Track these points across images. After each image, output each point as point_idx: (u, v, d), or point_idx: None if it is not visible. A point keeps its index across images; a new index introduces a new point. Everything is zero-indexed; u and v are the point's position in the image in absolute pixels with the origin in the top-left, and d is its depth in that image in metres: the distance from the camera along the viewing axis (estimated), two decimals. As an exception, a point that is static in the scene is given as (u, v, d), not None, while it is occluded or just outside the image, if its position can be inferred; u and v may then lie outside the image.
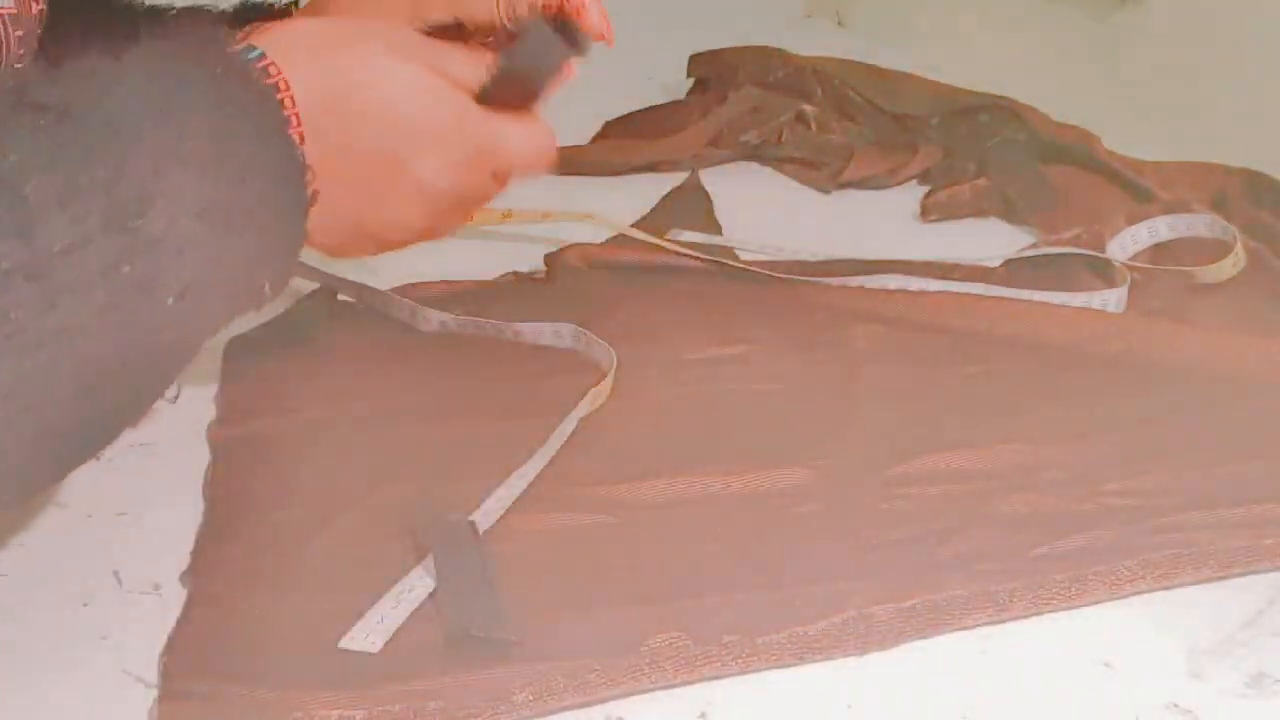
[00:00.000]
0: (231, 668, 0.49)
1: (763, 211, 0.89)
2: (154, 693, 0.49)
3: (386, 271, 0.76)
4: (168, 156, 0.47)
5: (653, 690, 0.49)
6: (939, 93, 0.99)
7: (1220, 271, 0.77)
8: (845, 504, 0.59)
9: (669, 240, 0.82)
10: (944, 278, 0.77)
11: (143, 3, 0.72)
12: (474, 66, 0.57)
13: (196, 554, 0.56)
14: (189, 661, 0.50)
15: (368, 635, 0.51)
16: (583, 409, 0.65)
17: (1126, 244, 0.81)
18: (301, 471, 0.62)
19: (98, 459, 0.50)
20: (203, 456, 0.63)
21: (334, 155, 0.53)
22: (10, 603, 0.54)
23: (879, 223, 0.89)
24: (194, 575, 0.55)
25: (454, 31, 0.62)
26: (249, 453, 0.63)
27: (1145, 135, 0.93)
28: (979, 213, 0.89)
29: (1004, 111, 0.96)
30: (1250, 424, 0.64)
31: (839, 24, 1.31)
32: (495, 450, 0.62)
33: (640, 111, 1.03)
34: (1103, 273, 0.78)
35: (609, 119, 1.01)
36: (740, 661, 0.50)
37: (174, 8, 0.72)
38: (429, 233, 0.59)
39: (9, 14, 0.58)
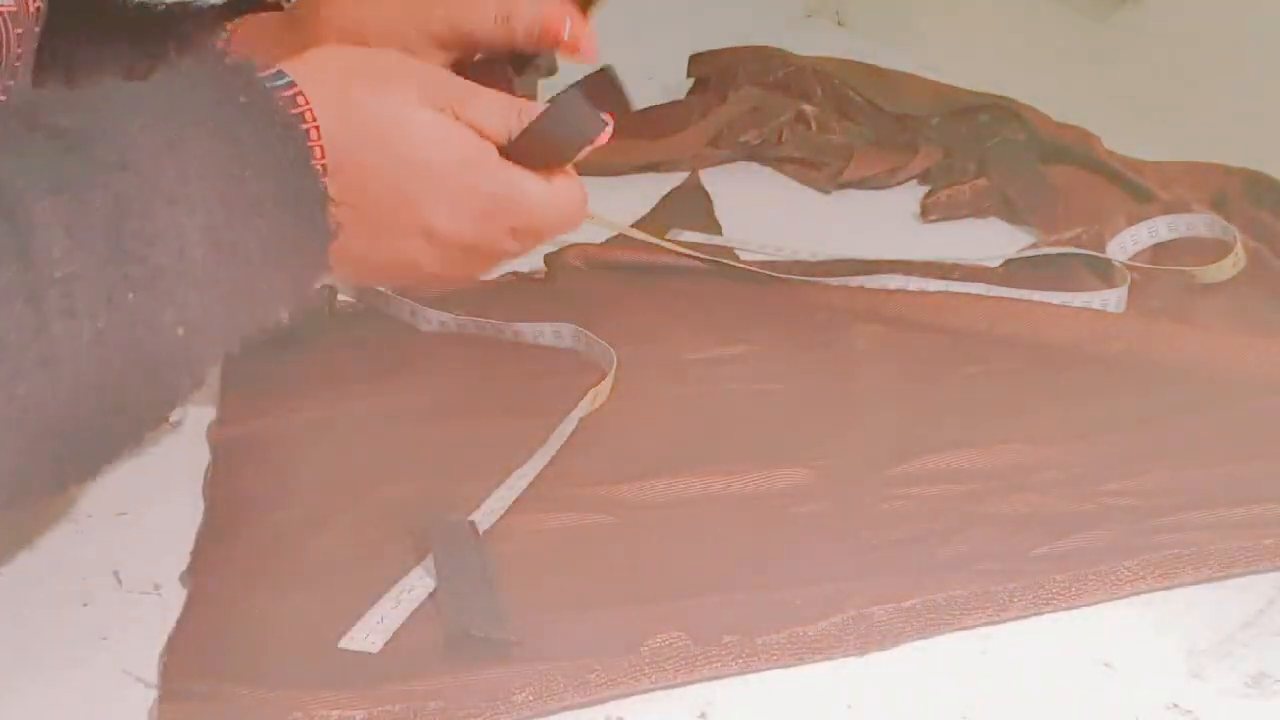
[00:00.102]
0: (231, 668, 0.49)
1: (763, 211, 0.89)
2: (154, 693, 0.49)
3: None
4: (180, 187, 0.46)
5: (653, 690, 0.49)
6: (939, 93, 0.99)
7: (1220, 271, 0.77)
8: (845, 504, 0.59)
9: (669, 240, 0.82)
10: (944, 278, 0.77)
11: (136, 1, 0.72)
12: (505, 116, 0.56)
13: (196, 554, 0.56)
14: (189, 661, 0.50)
15: (368, 635, 0.51)
16: (583, 409, 0.65)
17: (1126, 244, 0.81)
18: (301, 471, 0.62)
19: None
20: (203, 456, 0.63)
21: (349, 191, 0.52)
22: (10, 603, 0.54)
23: (879, 223, 0.89)
24: (194, 575, 0.55)
25: (488, 61, 0.62)
26: (249, 453, 0.63)
27: (1145, 135, 0.93)
28: (979, 213, 0.89)
29: (1004, 111, 0.96)
30: (1250, 424, 0.64)
31: (839, 24, 1.31)
32: (495, 450, 0.62)
33: (640, 111, 1.02)
34: (1103, 273, 0.78)
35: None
36: (740, 661, 0.50)
37: (163, 3, 0.72)
38: (439, 279, 0.58)
39: (8, 12, 0.58)
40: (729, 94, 1.02)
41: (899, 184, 0.94)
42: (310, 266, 0.52)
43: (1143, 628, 0.53)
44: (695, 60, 1.08)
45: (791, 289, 0.77)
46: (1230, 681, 0.50)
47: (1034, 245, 0.82)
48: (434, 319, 0.73)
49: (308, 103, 0.51)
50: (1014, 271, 0.79)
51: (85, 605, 0.54)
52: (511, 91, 0.61)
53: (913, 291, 0.76)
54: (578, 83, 0.59)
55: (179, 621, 0.52)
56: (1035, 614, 0.53)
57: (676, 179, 0.94)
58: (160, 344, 0.46)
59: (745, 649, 0.50)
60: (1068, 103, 0.95)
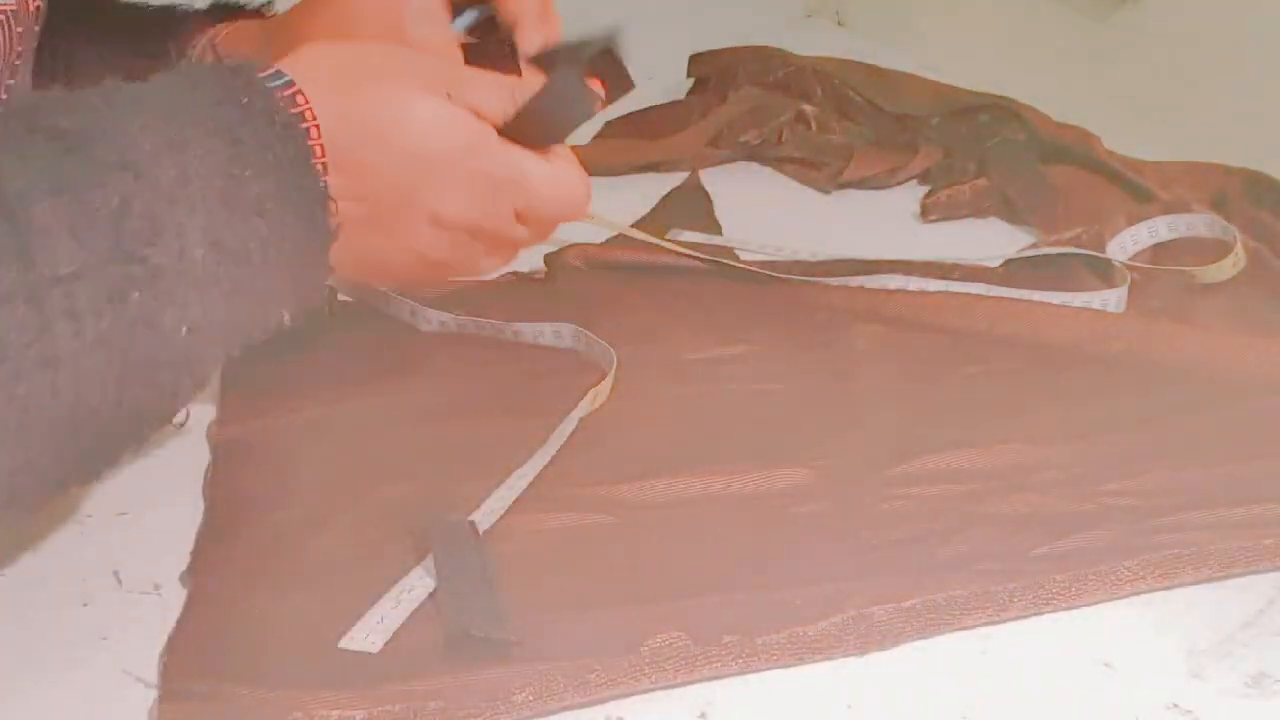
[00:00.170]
0: (231, 668, 0.49)
1: (763, 211, 0.89)
2: (154, 693, 0.49)
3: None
4: (180, 188, 0.46)
5: (653, 690, 0.49)
6: (939, 93, 0.99)
7: (1220, 271, 0.77)
8: (845, 504, 0.59)
9: (669, 240, 0.82)
10: (944, 278, 0.77)
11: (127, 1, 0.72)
12: (500, 97, 0.56)
13: (196, 554, 0.56)
14: (189, 661, 0.50)
15: (368, 635, 0.51)
16: (583, 409, 0.65)
17: (1126, 244, 0.81)
18: (301, 471, 0.62)
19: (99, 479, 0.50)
20: (203, 456, 0.63)
21: (353, 187, 0.53)
22: (10, 603, 0.54)
23: (879, 223, 0.89)
24: (194, 575, 0.55)
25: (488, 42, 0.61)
26: (249, 453, 0.63)
27: (1145, 135, 0.93)
28: (979, 213, 0.89)
29: (1004, 111, 0.96)
30: (1250, 424, 0.64)
31: (839, 24, 1.31)
32: (495, 450, 0.62)
33: (640, 111, 1.02)
34: (1103, 273, 0.78)
35: (609, 119, 1.01)
36: (740, 661, 0.50)
37: (150, 4, 0.72)
38: (449, 269, 0.58)
39: (9, 11, 0.58)
40: (729, 94, 1.02)
41: (899, 184, 0.93)
42: (312, 267, 0.52)
43: (1143, 628, 0.53)
44: (695, 60, 1.08)
45: (791, 289, 0.77)
46: (1230, 681, 0.50)
47: (1034, 245, 0.82)
48: (434, 319, 0.73)
49: (307, 102, 0.51)
50: (1014, 271, 0.79)
51: (85, 605, 0.54)
52: (516, 72, 0.61)
53: (913, 291, 0.76)
54: (575, 56, 0.59)
55: (179, 621, 0.52)
56: (1035, 614, 0.53)
57: (676, 179, 0.94)
58: (161, 344, 0.46)
59: (745, 649, 0.50)
60: (1068, 103, 0.95)
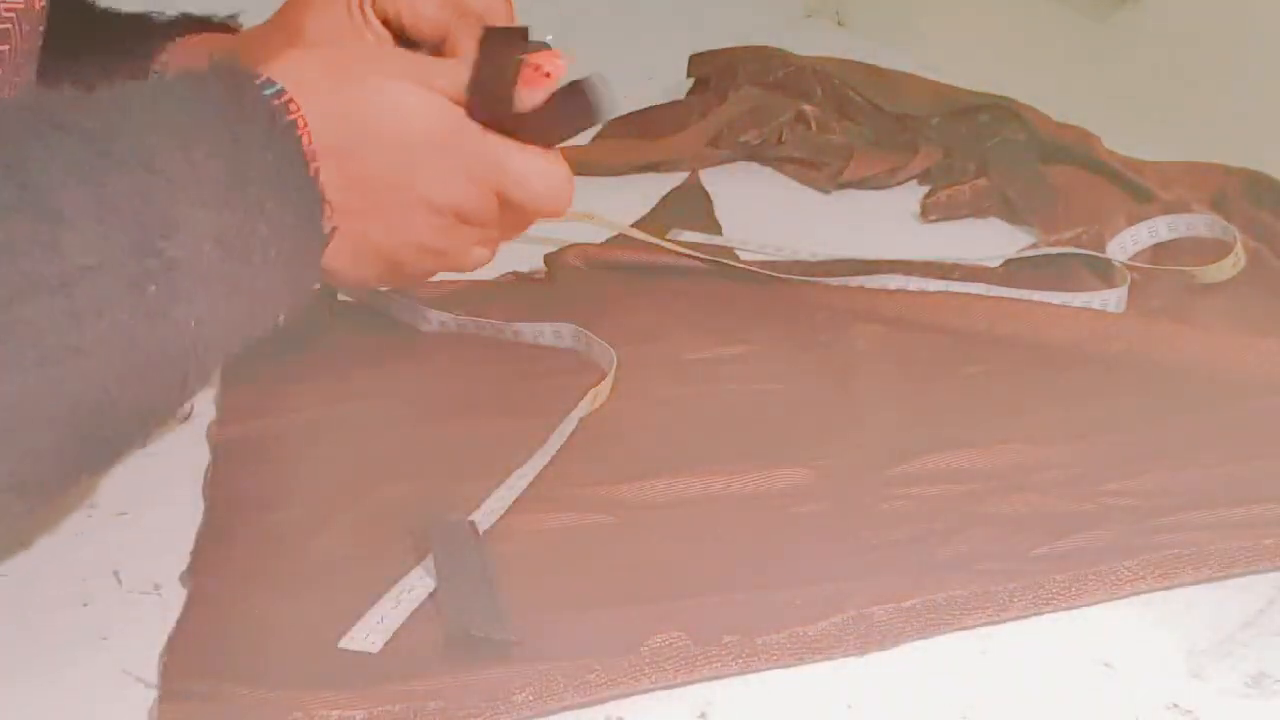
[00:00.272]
0: (231, 668, 0.49)
1: (763, 211, 0.89)
2: (154, 693, 0.49)
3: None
4: (191, 184, 0.48)
5: (653, 690, 0.49)
6: (939, 93, 0.99)
7: (1220, 271, 0.77)
8: (845, 504, 0.59)
9: (669, 240, 0.82)
10: (944, 278, 0.77)
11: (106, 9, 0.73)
12: (453, 75, 0.59)
13: (196, 554, 0.56)
14: (189, 661, 0.50)
15: (368, 635, 0.51)
16: (583, 409, 0.65)
17: (1126, 244, 0.81)
18: (301, 471, 0.62)
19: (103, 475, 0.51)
20: (203, 456, 0.63)
21: (346, 183, 0.55)
22: (10, 603, 0.54)
23: (879, 223, 0.89)
24: (194, 575, 0.55)
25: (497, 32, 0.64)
26: (249, 453, 0.63)
27: (1145, 135, 0.93)
28: (979, 213, 0.89)
29: (1004, 111, 0.95)
30: (1250, 424, 0.64)
31: (839, 24, 1.31)
32: (495, 450, 0.62)
33: (640, 111, 1.03)
34: (1103, 273, 0.78)
35: (609, 119, 1.01)
36: (740, 661, 0.50)
37: (120, 12, 0.74)
38: (442, 256, 0.61)
39: (18, 10, 0.59)
40: (729, 94, 1.02)
41: (899, 184, 0.94)
42: (307, 267, 0.54)
43: (1143, 628, 0.53)
44: (695, 60, 1.08)
45: (791, 289, 0.77)
46: (1230, 681, 0.50)
47: (1034, 245, 0.82)
48: (434, 319, 0.73)
49: (299, 108, 0.53)
50: (1014, 271, 0.79)
51: (85, 605, 0.54)
52: (525, 61, 0.62)
53: (913, 291, 0.76)
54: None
55: (179, 621, 0.52)
56: (1035, 614, 0.53)
57: (676, 179, 0.94)
58: (174, 337, 0.48)
59: (745, 649, 0.50)
60: (1068, 103, 0.95)
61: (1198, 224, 0.81)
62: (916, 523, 0.58)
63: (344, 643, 0.51)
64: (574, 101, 0.60)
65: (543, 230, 0.84)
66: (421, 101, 0.57)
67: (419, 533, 0.56)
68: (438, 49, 0.67)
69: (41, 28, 0.62)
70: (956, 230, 0.88)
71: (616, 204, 0.87)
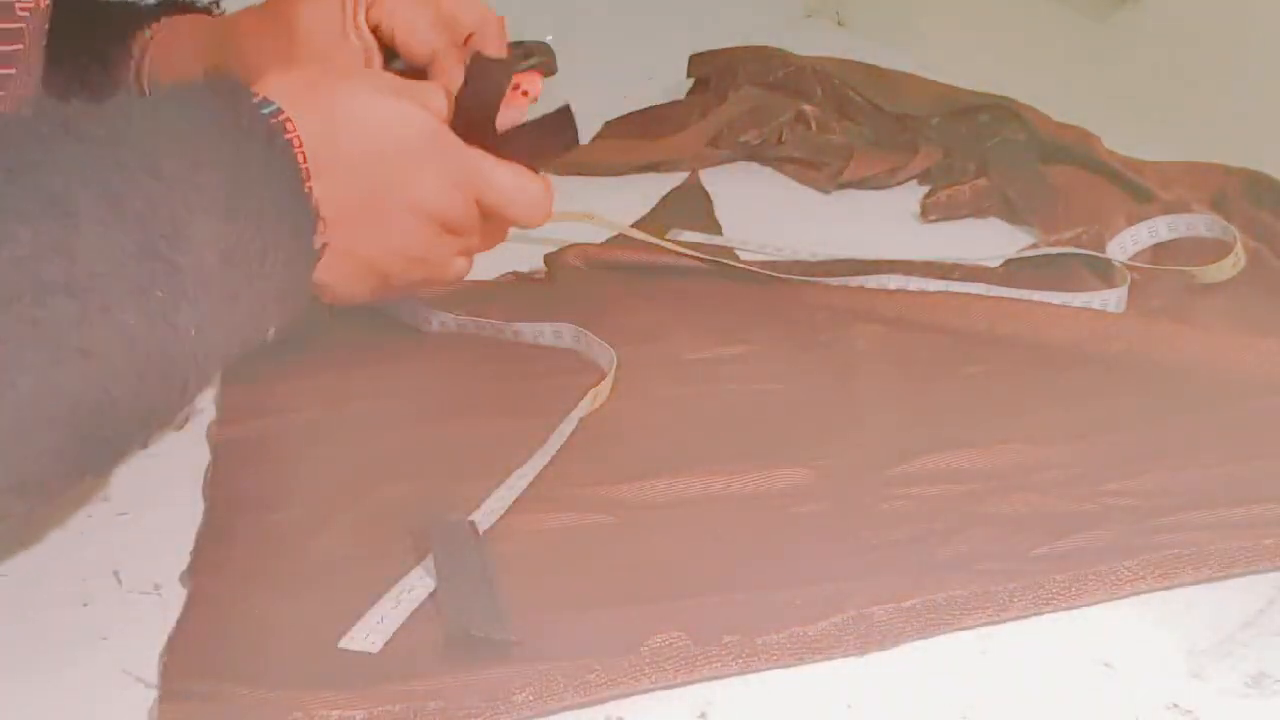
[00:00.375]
0: (231, 668, 0.49)
1: (763, 211, 0.89)
2: (154, 693, 0.49)
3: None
4: (194, 193, 0.50)
5: (653, 690, 0.49)
6: (939, 93, 0.99)
7: (1220, 271, 0.77)
8: (845, 504, 0.59)
9: (669, 240, 0.82)
10: (944, 278, 0.77)
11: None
12: (437, 96, 0.62)
13: (196, 554, 0.56)
14: (189, 661, 0.50)
15: (368, 635, 0.51)
16: (583, 409, 0.65)
17: (1126, 244, 0.81)
18: (301, 471, 0.62)
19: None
20: (203, 456, 0.63)
21: (337, 198, 0.56)
22: (10, 603, 0.54)
23: (879, 223, 0.89)
24: (194, 575, 0.55)
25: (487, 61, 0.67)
26: (249, 453, 0.63)
27: (1145, 135, 0.93)
28: (979, 213, 0.89)
29: (1004, 111, 0.95)
30: (1250, 424, 0.64)
31: (839, 24, 1.31)
32: (495, 450, 0.62)
33: (640, 111, 1.03)
34: (1103, 273, 0.78)
35: (609, 119, 1.01)
36: (740, 661, 0.50)
37: None
38: (426, 265, 0.63)
39: (29, 9, 0.60)
40: (729, 94, 1.02)
41: (899, 184, 0.94)
42: (299, 281, 0.56)
43: (1143, 628, 0.53)
44: (695, 60, 1.08)
45: (791, 289, 0.77)
46: (1230, 681, 0.50)
47: (1034, 245, 0.82)
48: (434, 319, 0.73)
49: (295, 129, 0.55)
50: (1014, 271, 0.79)
51: (85, 605, 0.54)
52: (511, 83, 0.64)
53: (913, 291, 0.76)
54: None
55: (179, 621, 0.52)
56: (1035, 614, 0.53)
57: (676, 179, 0.94)
58: (176, 342, 0.49)
59: (745, 649, 0.50)
60: (1068, 103, 0.95)
61: (1198, 224, 0.81)
62: (916, 523, 0.58)
63: (344, 643, 0.51)
64: (553, 126, 0.64)
65: (543, 230, 0.83)
66: (407, 113, 0.60)
67: (419, 533, 0.56)
68: (421, 72, 0.68)
69: (47, 26, 0.63)
70: (956, 230, 0.88)
71: (616, 204, 0.87)
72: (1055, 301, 0.74)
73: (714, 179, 0.94)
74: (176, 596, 0.54)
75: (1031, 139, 0.93)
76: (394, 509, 0.58)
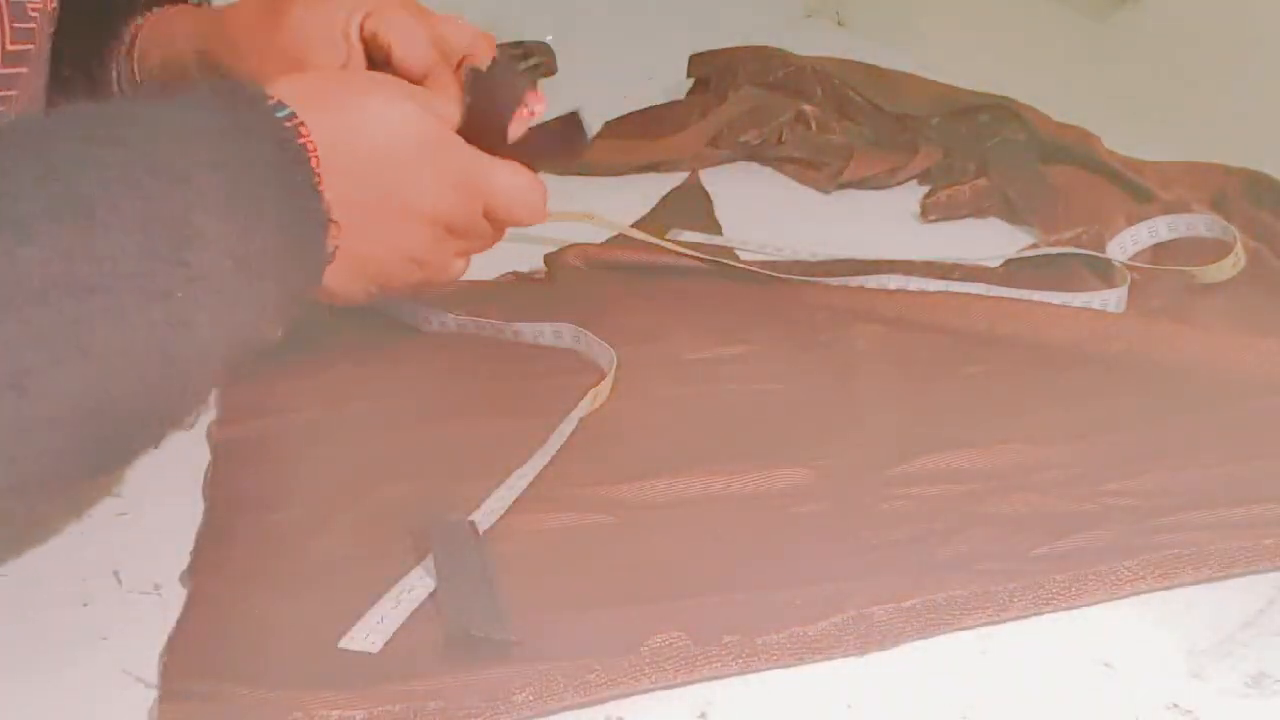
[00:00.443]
0: (231, 668, 0.49)
1: (763, 211, 0.89)
2: (154, 693, 0.49)
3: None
4: (211, 198, 0.50)
5: (653, 690, 0.49)
6: (939, 93, 0.99)
7: (1220, 271, 0.77)
8: (845, 504, 0.59)
9: (669, 240, 0.82)
10: (944, 278, 0.77)
11: None
12: (450, 104, 0.63)
13: (196, 554, 0.56)
14: (189, 661, 0.50)
15: (368, 635, 0.51)
16: (583, 409, 0.65)
17: (1126, 244, 0.81)
18: (301, 471, 0.62)
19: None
20: (203, 456, 0.63)
21: (346, 202, 0.56)
22: (10, 603, 0.54)
23: (879, 223, 0.89)
24: (194, 575, 0.55)
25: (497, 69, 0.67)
26: (249, 453, 0.63)
27: (1145, 135, 0.93)
28: (979, 213, 0.89)
29: (1004, 111, 0.95)
30: (1250, 424, 0.64)
31: (839, 24, 1.31)
32: (495, 450, 0.62)
33: (640, 111, 1.03)
34: (1103, 273, 0.78)
35: (609, 119, 1.01)
36: (740, 661, 0.50)
37: None
38: (428, 266, 0.63)
39: (38, 10, 0.60)
40: (729, 94, 1.02)
41: (899, 184, 0.94)
42: (307, 284, 0.56)
43: (1143, 628, 0.53)
44: (695, 60, 1.08)
45: (791, 289, 0.77)
46: (1230, 681, 0.50)
47: (1034, 245, 0.82)
48: (434, 319, 0.73)
49: (309, 133, 0.55)
50: (1014, 271, 0.79)
51: (85, 605, 0.54)
52: (522, 100, 0.65)
53: (913, 291, 0.76)
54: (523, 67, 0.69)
55: (179, 621, 0.52)
56: (1035, 614, 0.53)
57: (676, 179, 0.94)
58: (190, 344, 0.49)
59: (745, 649, 0.50)
60: (1068, 103, 0.95)
61: (1198, 224, 0.81)
62: (916, 523, 0.58)
63: (344, 643, 0.51)
64: (564, 132, 0.64)
65: (543, 230, 0.84)
66: (414, 116, 0.60)
67: (419, 533, 0.56)
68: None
69: (51, 29, 0.63)
70: (956, 230, 0.88)
71: (616, 204, 0.87)
72: (1055, 301, 0.74)
73: (714, 179, 0.94)
74: (176, 596, 0.54)
75: (1031, 139, 0.93)
76: (394, 509, 0.58)
